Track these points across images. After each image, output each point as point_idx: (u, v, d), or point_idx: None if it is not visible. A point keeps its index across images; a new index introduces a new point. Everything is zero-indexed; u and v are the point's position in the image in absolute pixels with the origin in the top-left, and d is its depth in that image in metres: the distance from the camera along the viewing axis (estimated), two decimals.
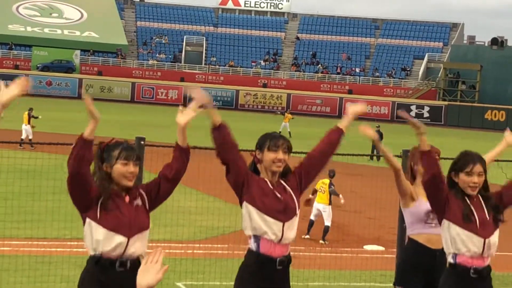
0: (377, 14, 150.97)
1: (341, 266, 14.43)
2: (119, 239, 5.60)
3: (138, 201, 5.76)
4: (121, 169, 5.66)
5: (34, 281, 11.93)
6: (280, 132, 48.13)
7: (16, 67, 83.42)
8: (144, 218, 5.76)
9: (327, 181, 18.71)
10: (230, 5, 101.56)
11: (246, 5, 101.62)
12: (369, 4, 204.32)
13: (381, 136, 38.54)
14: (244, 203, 6.10)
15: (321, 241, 18.09)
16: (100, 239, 5.58)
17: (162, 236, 15.28)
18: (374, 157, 34.62)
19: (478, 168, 6.23)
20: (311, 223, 18.55)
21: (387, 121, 73.24)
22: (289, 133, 48.35)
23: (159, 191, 5.90)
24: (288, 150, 6.18)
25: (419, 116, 78.09)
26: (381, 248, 17.62)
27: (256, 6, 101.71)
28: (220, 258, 14.65)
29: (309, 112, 78.37)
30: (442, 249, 7.12)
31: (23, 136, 33.57)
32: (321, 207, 18.54)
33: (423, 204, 7.05)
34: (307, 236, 18.26)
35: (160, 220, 15.02)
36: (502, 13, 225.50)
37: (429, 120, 77.34)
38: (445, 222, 6.31)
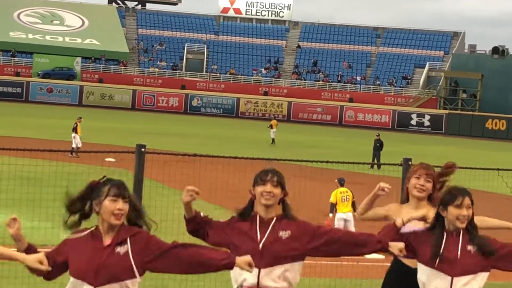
0: (378, 23, 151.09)
1: (341, 274, 14.40)
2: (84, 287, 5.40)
3: (122, 248, 5.42)
4: (109, 206, 5.37)
5: None
6: (273, 140, 48.20)
7: (17, 74, 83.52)
8: (122, 268, 5.37)
9: (344, 189, 18.90)
10: (231, 13, 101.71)
11: (248, 13, 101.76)
12: (370, 12, 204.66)
13: (381, 145, 38.52)
14: None
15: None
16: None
17: None
18: (375, 166, 34.58)
19: (467, 201, 6.16)
20: None
21: (387, 129, 73.25)
22: (273, 139, 48.26)
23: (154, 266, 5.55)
24: (279, 184, 6.02)
25: (419, 124, 78.14)
26: (381, 256, 17.59)
27: (258, 14, 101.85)
28: None
29: (310, 120, 78.43)
30: None
31: (79, 145, 33.25)
32: (348, 215, 18.58)
33: (407, 227, 6.89)
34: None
35: (160, 229, 14.99)
36: (503, 22, 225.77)
37: (429, 128, 77.37)
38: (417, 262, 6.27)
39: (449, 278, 6.06)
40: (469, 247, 6.11)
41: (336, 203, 18.79)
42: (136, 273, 5.39)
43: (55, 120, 55.21)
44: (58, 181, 16.32)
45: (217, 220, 6.22)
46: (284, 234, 5.95)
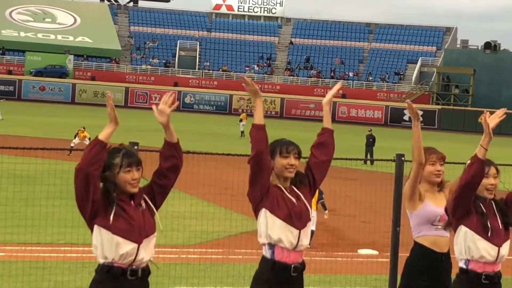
0: (370, 18, 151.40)
1: (335, 270, 14.42)
2: (130, 245, 5.54)
3: (143, 206, 5.71)
4: (125, 177, 5.58)
5: (28, 286, 11.90)
6: (242, 132, 49.55)
7: (10, 72, 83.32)
8: (151, 223, 5.72)
9: None
10: (223, 9, 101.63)
11: (240, 9, 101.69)
12: (362, 8, 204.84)
13: (374, 140, 38.56)
14: (263, 211, 6.05)
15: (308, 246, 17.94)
16: (110, 246, 5.51)
17: (156, 241, 15.23)
18: (368, 162, 34.63)
19: (493, 170, 6.38)
20: (311, 233, 18.31)
21: (380, 125, 73.31)
22: (242, 132, 49.48)
23: (159, 187, 5.86)
24: (299, 155, 6.16)
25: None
26: (375, 252, 17.62)
27: (250, 10, 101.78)
28: (215, 262, 14.63)
29: (302, 117, 78.44)
30: (447, 252, 7.12)
31: (72, 144, 32.87)
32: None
33: (429, 206, 7.08)
34: (309, 246, 17.96)
35: None
36: (495, 17, 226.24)
37: (422, 124, 76.62)
38: (462, 228, 6.34)
39: (497, 248, 6.32)
40: (499, 214, 6.37)
41: None
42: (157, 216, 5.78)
43: (48, 118, 55.12)
44: (52, 179, 16.28)
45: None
46: (303, 196, 6.16)
